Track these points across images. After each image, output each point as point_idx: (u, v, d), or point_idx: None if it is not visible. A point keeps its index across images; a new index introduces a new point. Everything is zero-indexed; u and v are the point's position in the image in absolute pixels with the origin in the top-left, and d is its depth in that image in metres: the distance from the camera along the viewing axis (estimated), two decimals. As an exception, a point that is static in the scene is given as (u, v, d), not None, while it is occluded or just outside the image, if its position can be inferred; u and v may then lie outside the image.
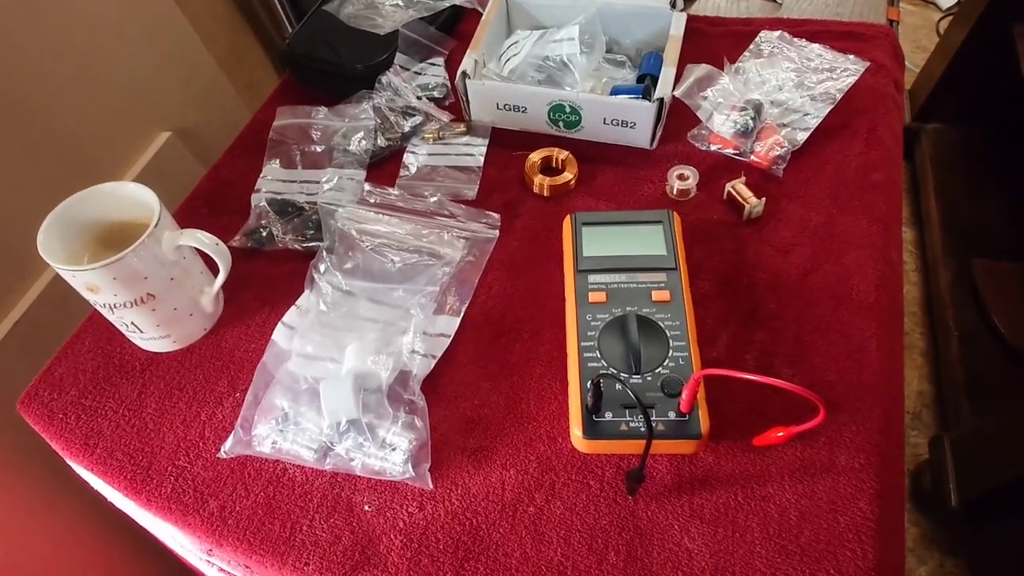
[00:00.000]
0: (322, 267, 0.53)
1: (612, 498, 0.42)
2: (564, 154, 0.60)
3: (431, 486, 0.44)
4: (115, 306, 0.46)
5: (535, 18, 0.68)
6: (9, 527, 0.64)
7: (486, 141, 0.63)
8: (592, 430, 0.42)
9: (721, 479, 0.42)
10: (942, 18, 1.76)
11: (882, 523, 0.40)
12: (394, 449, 0.44)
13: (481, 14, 0.66)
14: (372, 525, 0.42)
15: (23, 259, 0.66)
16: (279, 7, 1.03)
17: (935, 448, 1.00)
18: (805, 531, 0.40)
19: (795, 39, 0.66)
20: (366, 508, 0.43)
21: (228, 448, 0.45)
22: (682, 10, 0.64)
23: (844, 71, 0.62)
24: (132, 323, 0.48)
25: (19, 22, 0.64)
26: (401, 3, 0.68)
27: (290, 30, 1.06)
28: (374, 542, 0.42)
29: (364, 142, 0.61)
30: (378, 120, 0.63)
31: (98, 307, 0.47)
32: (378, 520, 0.43)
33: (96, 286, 0.44)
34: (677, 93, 0.60)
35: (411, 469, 0.43)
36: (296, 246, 0.56)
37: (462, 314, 0.51)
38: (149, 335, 0.49)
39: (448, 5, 0.68)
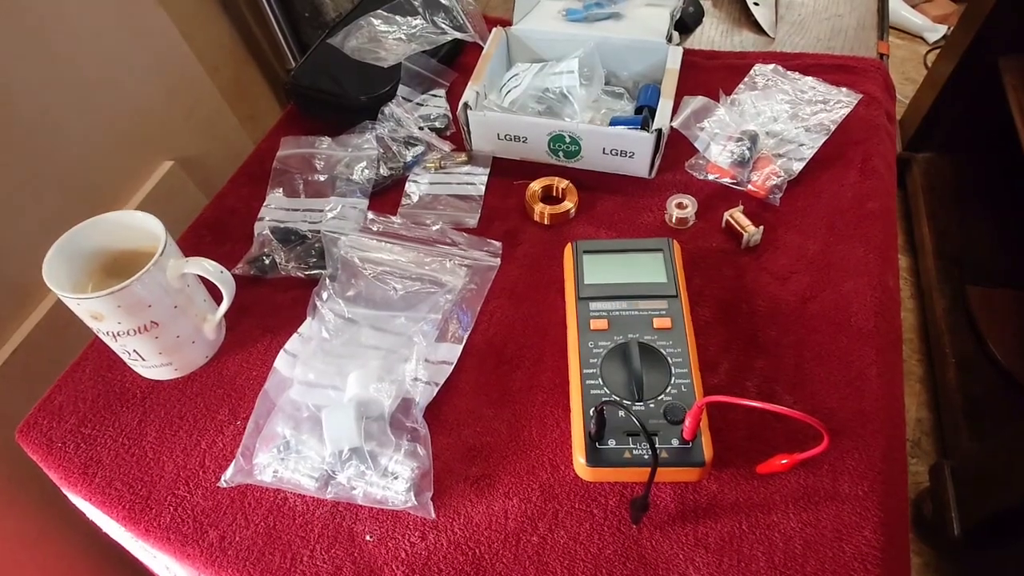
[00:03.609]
0: (324, 295, 0.53)
1: (616, 527, 0.42)
2: (564, 183, 0.61)
3: (433, 515, 0.43)
4: (118, 334, 0.46)
5: (535, 51, 0.70)
6: (0, 556, 0.63)
7: (487, 170, 0.64)
8: (595, 458, 0.42)
9: (725, 507, 0.42)
10: (929, 51, 1.80)
11: (887, 552, 0.40)
12: (396, 478, 0.44)
13: (482, 47, 0.67)
14: (374, 556, 0.42)
15: (24, 286, 0.66)
16: (282, 40, 1.05)
17: (936, 475, 0.99)
18: (810, 560, 0.40)
19: (789, 72, 0.67)
20: (368, 538, 0.43)
21: (229, 477, 0.45)
22: (678, 44, 0.66)
23: (837, 103, 0.64)
24: (134, 351, 0.48)
25: (25, 51, 0.66)
26: (404, 37, 0.69)
27: (293, 63, 1.08)
28: (376, 573, 0.41)
29: (367, 171, 0.62)
30: (381, 150, 0.64)
31: (101, 335, 0.47)
32: (380, 550, 0.42)
33: (100, 314, 0.44)
34: (675, 124, 0.62)
35: (413, 498, 0.43)
36: (299, 274, 0.56)
37: (464, 342, 0.51)
38: (151, 363, 0.49)
39: (449, 39, 0.70)
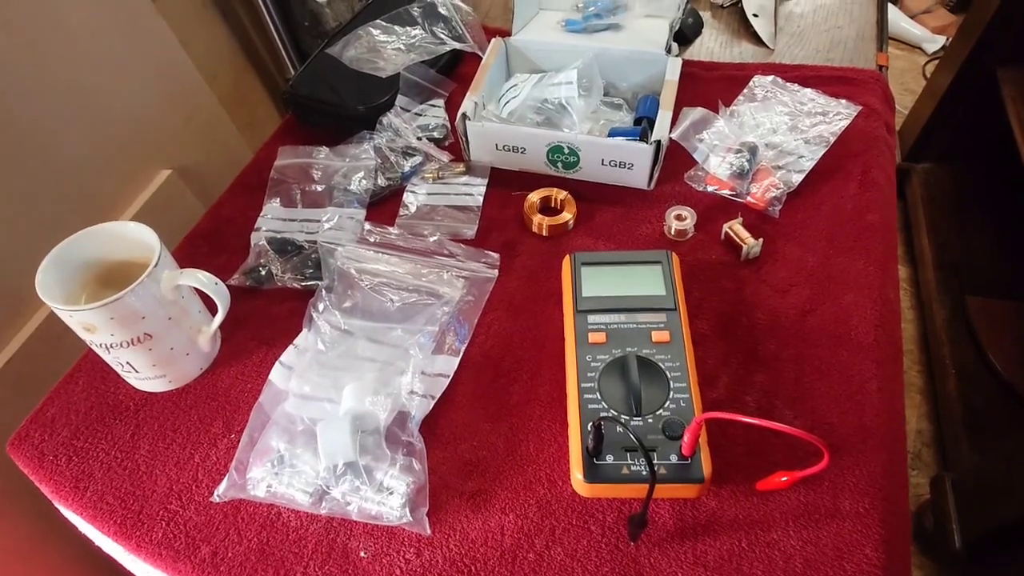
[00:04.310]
0: (321, 306, 0.53)
1: (614, 544, 0.42)
2: (563, 194, 0.61)
3: (429, 531, 0.43)
4: (111, 346, 0.45)
5: (534, 62, 0.70)
6: (-8, 572, 0.63)
7: (485, 181, 0.64)
8: (593, 474, 0.41)
9: (724, 524, 0.42)
10: (928, 62, 1.81)
11: (889, 570, 0.40)
12: (391, 493, 0.43)
13: (481, 58, 0.67)
14: (368, 573, 0.41)
15: (18, 295, 0.65)
16: (282, 49, 1.06)
17: (936, 488, 0.99)
18: (811, 579, 0.39)
19: (788, 84, 0.67)
20: (362, 555, 0.42)
21: (222, 492, 0.44)
22: (677, 55, 0.66)
23: (837, 115, 0.64)
24: (128, 363, 0.47)
25: (23, 60, 0.65)
26: (402, 47, 0.69)
27: (292, 71, 1.08)
28: (370, 590, 0.41)
29: (364, 181, 0.62)
30: (378, 160, 0.64)
31: (94, 347, 0.47)
32: (374, 567, 0.42)
33: (93, 326, 0.43)
34: (674, 135, 0.61)
35: (408, 514, 0.42)
36: (295, 285, 0.56)
37: (461, 354, 0.51)
38: (144, 375, 0.49)
39: (448, 49, 0.70)
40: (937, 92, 1.36)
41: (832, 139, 0.62)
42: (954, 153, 1.41)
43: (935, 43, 1.83)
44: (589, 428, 0.41)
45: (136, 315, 0.44)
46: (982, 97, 1.23)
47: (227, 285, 0.48)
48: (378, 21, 0.71)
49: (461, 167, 0.64)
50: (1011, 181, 1.29)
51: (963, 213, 1.36)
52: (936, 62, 1.69)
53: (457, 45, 0.70)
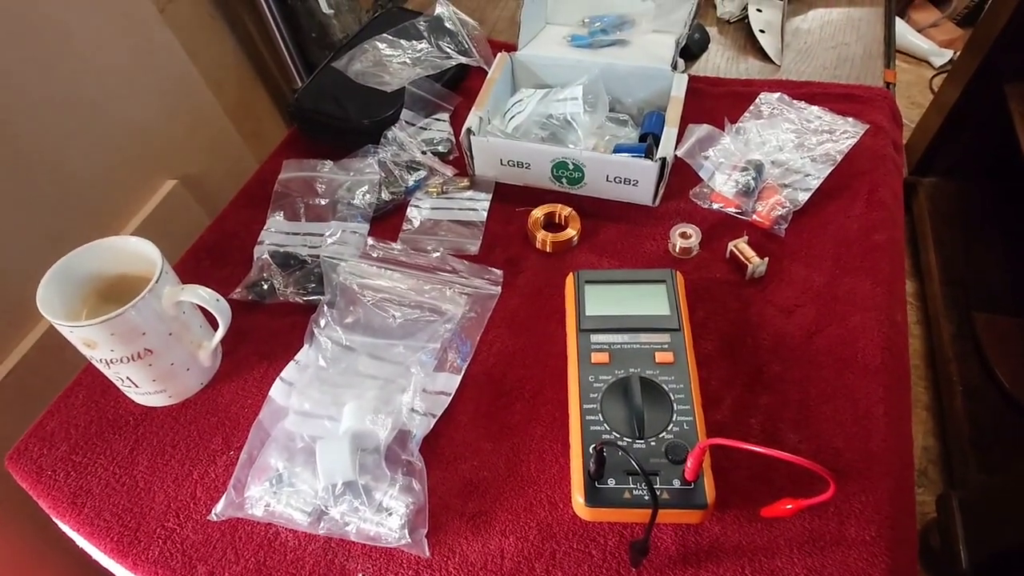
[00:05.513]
0: (322, 321, 0.52)
1: (615, 569, 0.41)
2: (567, 210, 0.60)
3: (428, 554, 0.42)
4: (112, 361, 0.45)
5: (539, 77, 0.70)
6: (-11, 584, 0.62)
7: (489, 196, 0.63)
8: (594, 497, 0.41)
9: (728, 551, 0.41)
10: (935, 75, 1.80)
11: (895, 601, 0.39)
12: (391, 514, 0.43)
13: (486, 72, 0.67)
14: (366, 595, 0.41)
15: (22, 306, 0.65)
16: (288, 59, 1.06)
17: (943, 507, 0.97)
18: (816, 609, 0.39)
19: (795, 101, 0.67)
20: (360, 576, 0.42)
21: (219, 511, 0.44)
22: (683, 71, 0.65)
23: (844, 133, 0.63)
24: (128, 378, 0.47)
25: (28, 71, 0.66)
26: (408, 61, 0.69)
27: (299, 82, 1.08)
28: (367, 613, 0.40)
29: (368, 196, 0.62)
30: (383, 174, 0.63)
31: (94, 362, 0.46)
32: (372, 589, 0.41)
33: (93, 342, 0.43)
34: (679, 152, 0.61)
35: (407, 535, 0.42)
36: (297, 299, 0.55)
37: (463, 372, 0.51)
38: (145, 390, 0.49)
39: (454, 63, 0.70)
40: (944, 106, 1.35)
41: (839, 157, 0.61)
42: (961, 168, 1.40)
43: (942, 57, 1.83)
44: (591, 451, 0.41)
45: (137, 331, 0.44)
46: (990, 112, 1.23)
47: (229, 299, 0.48)
48: (384, 35, 0.71)
49: (465, 182, 0.64)
50: (1018, 197, 1.28)
51: (970, 228, 1.35)
52: (943, 76, 1.69)
53: (463, 59, 0.70)
